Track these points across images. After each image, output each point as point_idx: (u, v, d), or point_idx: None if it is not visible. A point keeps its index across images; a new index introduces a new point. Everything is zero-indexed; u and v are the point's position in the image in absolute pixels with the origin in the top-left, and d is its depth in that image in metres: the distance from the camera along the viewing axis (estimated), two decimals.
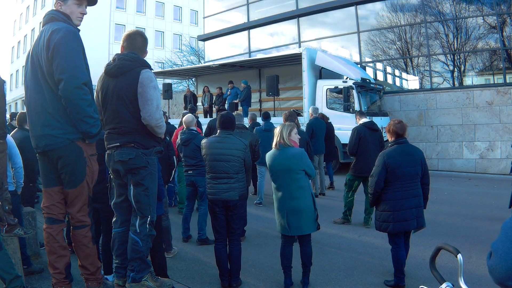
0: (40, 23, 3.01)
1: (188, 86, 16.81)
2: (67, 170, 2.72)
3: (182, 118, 7.73)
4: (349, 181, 5.93)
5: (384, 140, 6.34)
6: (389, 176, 3.67)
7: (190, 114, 5.68)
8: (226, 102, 13.01)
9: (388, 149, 3.78)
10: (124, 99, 2.75)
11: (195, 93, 15.07)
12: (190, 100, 14.04)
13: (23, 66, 3.18)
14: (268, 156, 3.68)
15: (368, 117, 9.95)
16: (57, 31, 2.65)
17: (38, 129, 2.72)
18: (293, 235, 3.68)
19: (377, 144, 5.97)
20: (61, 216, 2.82)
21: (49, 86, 2.67)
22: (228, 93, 12.86)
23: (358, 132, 5.87)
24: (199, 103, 14.44)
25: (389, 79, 14.00)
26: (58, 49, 2.60)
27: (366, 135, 5.86)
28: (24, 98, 2.92)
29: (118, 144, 2.78)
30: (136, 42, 2.92)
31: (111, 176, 2.99)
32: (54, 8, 2.82)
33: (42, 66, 2.67)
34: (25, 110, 3.11)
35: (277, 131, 3.67)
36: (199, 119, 9.18)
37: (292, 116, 6.44)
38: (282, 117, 6.42)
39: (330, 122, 8.52)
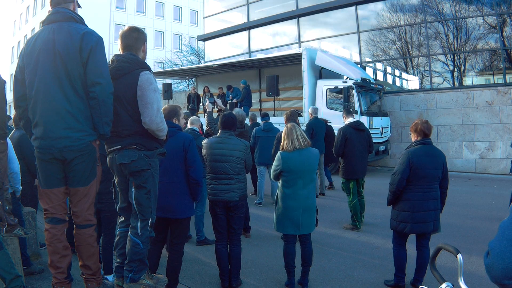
0: (41, 22, 2.90)
1: (194, 85, 16.73)
2: (79, 168, 2.69)
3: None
4: (344, 185, 5.88)
5: (373, 140, 6.27)
6: (411, 175, 3.58)
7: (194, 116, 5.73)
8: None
9: (413, 148, 3.68)
10: (123, 101, 2.72)
11: (199, 93, 14.97)
12: (194, 100, 14.03)
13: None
14: (288, 157, 3.59)
15: (367, 115, 10.11)
16: (91, 34, 2.65)
17: (57, 131, 2.62)
18: (304, 233, 3.67)
19: (365, 144, 5.90)
20: (65, 216, 2.81)
21: (72, 87, 2.62)
22: (230, 97, 12.86)
23: (343, 133, 5.78)
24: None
25: (389, 79, 14.00)
26: (95, 52, 2.60)
27: (352, 136, 5.77)
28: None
29: (120, 146, 2.75)
30: (129, 39, 2.84)
31: (115, 181, 2.97)
32: (67, 7, 2.74)
33: (68, 66, 2.59)
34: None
35: (293, 132, 3.62)
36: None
37: (294, 116, 6.48)
38: (284, 117, 6.44)
39: (330, 125, 8.50)
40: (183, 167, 3.32)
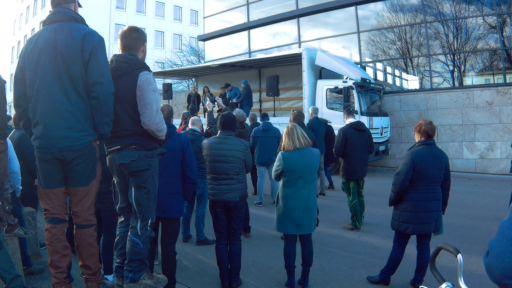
0: (41, 22, 2.89)
1: (194, 85, 16.74)
2: (80, 168, 2.69)
3: (182, 118, 7.76)
4: (344, 185, 5.88)
5: (373, 140, 6.27)
6: (414, 176, 3.58)
7: (195, 116, 5.72)
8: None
9: (416, 148, 3.67)
10: (122, 102, 2.72)
11: (199, 93, 14.92)
12: (194, 100, 14.02)
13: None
14: (289, 157, 3.59)
15: (367, 115, 10.12)
16: (92, 34, 2.66)
17: (58, 130, 2.62)
18: (304, 233, 3.68)
19: (365, 145, 5.90)
20: (65, 216, 2.81)
21: (73, 86, 2.62)
22: (227, 96, 12.86)
23: (344, 133, 5.78)
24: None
25: (389, 79, 14.00)
26: (97, 52, 2.61)
27: (352, 136, 5.76)
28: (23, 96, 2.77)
29: (119, 146, 2.75)
30: (128, 39, 2.84)
31: (115, 181, 2.97)
32: (68, 7, 2.74)
33: (69, 65, 2.60)
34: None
35: (294, 132, 3.63)
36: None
37: (301, 115, 6.55)
38: (291, 116, 6.51)
39: (330, 125, 8.50)
40: (179, 167, 3.34)
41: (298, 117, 6.41)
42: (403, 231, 3.69)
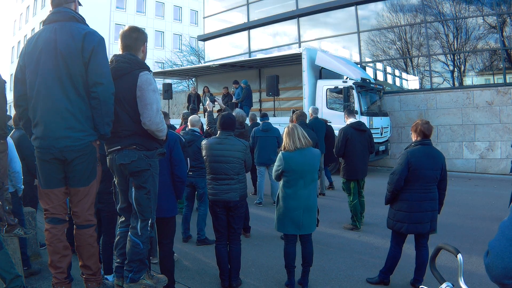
0: (41, 22, 2.89)
1: (194, 85, 16.73)
2: (80, 168, 2.69)
3: (182, 118, 7.76)
4: (344, 185, 5.87)
5: (374, 140, 6.27)
6: (409, 175, 3.59)
7: (195, 115, 5.70)
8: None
9: (412, 148, 3.68)
10: (122, 102, 2.72)
11: (199, 93, 14.89)
12: (194, 100, 14.00)
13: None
14: (289, 157, 3.59)
15: (367, 115, 10.12)
16: (93, 34, 2.66)
17: (58, 131, 2.62)
18: (304, 233, 3.68)
19: (366, 145, 5.89)
20: (65, 216, 2.82)
21: (73, 86, 2.62)
22: (232, 91, 12.88)
23: (344, 134, 5.76)
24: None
25: (389, 79, 14.00)
26: (97, 52, 2.61)
27: (353, 136, 5.75)
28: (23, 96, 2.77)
29: (119, 147, 2.75)
30: (129, 39, 2.83)
31: (115, 182, 2.97)
32: (68, 7, 2.74)
33: (70, 66, 2.60)
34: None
35: (295, 132, 3.62)
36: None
37: (303, 116, 6.55)
38: (294, 116, 6.52)
39: (330, 125, 8.50)
40: (168, 166, 3.32)
41: (300, 117, 6.43)
42: (397, 230, 3.71)
